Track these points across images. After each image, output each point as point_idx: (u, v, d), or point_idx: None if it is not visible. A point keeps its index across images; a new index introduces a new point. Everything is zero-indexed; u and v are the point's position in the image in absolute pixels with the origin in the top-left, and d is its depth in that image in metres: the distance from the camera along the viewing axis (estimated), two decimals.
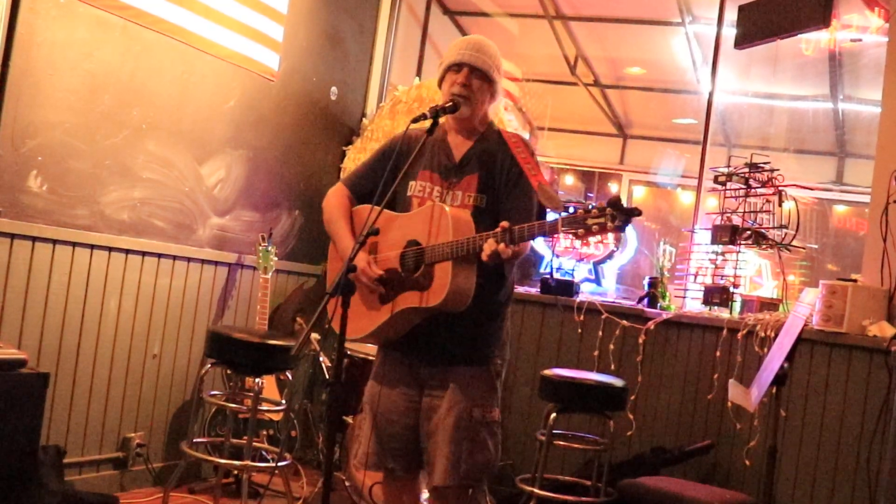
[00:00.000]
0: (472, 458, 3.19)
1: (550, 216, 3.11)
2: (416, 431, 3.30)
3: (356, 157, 6.18)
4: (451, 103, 3.23)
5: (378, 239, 3.27)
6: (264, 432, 5.07)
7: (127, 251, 4.66)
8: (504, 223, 2.91)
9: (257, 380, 4.41)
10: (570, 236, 2.81)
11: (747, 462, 4.61)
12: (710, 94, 5.93)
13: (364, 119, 6.46)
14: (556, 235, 5.47)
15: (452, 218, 3.07)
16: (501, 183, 3.26)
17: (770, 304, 5.07)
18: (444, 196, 3.27)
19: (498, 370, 3.34)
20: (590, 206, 2.72)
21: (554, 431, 4.39)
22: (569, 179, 11.01)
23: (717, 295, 5.07)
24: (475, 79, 3.27)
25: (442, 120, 3.38)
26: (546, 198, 2.93)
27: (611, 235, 5.89)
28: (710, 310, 5.12)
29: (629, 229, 6.08)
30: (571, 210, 2.78)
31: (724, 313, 5.02)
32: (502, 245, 2.88)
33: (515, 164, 3.23)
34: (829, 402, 4.41)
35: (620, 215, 2.66)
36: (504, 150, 3.28)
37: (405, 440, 3.31)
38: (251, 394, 4.44)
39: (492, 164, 3.28)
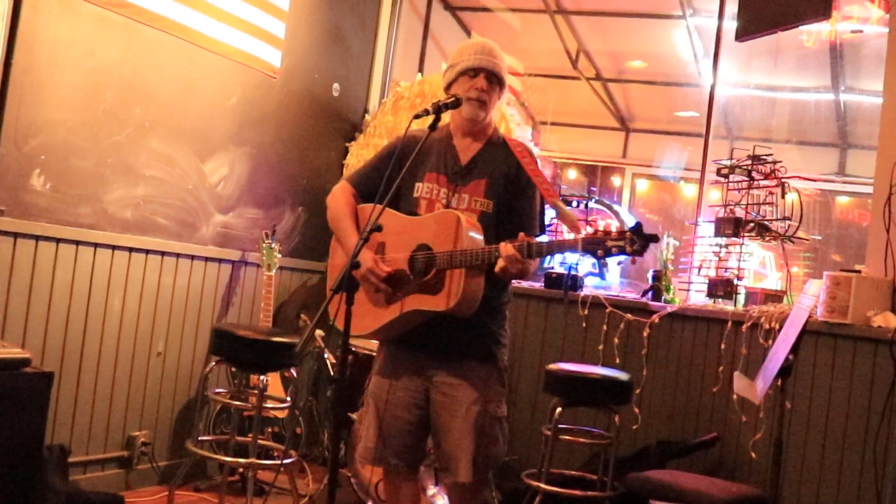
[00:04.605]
0: (487, 452, 3.25)
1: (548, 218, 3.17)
2: (419, 427, 3.32)
3: (359, 153, 6.18)
4: (453, 99, 3.25)
5: (385, 239, 3.28)
6: (269, 430, 5.07)
7: (130, 249, 4.66)
8: (522, 235, 2.98)
9: (262, 377, 4.41)
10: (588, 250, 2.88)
11: (753, 454, 4.61)
12: (712, 87, 5.92)
13: (366, 115, 6.45)
14: (559, 231, 5.48)
15: (466, 226, 3.12)
16: (508, 190, 3.31)
17: (774, 296, 5.06)
18: (450, 199, 3.29)
19: (505, 366, 3.38)
20: (610, 229, 2.85)
21: (559, 426, 4.39)
22: (572, 174, 11.00)
23: (721, 287, 5.06)
24: (491, 84, 3.32)
25: (446, 121, 3.42)
26: (565, 217, 3.11)
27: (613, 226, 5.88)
28: (714, 302, 5.11)
29: (632, 222, 6.09)
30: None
31: (728, 306, 5.01)
32: (517, 257, 2.96)
33: (522, 172, 3.29)
34: (834, 393, 4.40)
35: (640, 240, 2.79)
36: (510, 157, 3.33)
37: (409, 436, 3.32)
38: (256, 391, 4.44)
39: (499, 170, 3.32)
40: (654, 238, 2.80)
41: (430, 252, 3.15)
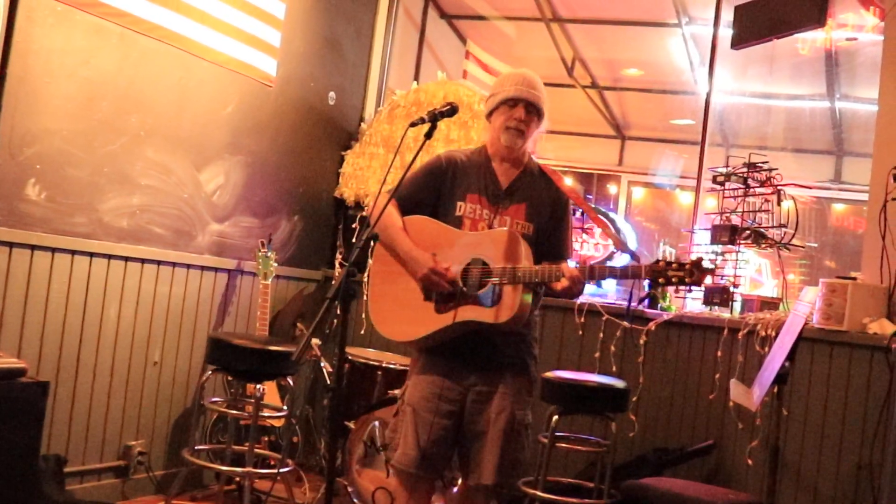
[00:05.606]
0: (513, 457, 3.36)
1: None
2: (453, 435, 3.39)
3: (355, 161, 6.18)
4: (448, 107, 3.30)
5: (437, 251, 3.35)
6: (266, 438, 5.06)
7: (126, 258, 4.65)
8: (584, 259, 3.11)
9: (258, 386, 4.40)
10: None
11: (750, 461, 4.61)
12: (708, 95, 5.93)
13: (362, 124, 6.46)
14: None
15: (523, 246, 3.27)
16: (549, 214, 3.47)
17: (770, 304, 5.06)
18: (492, 220, 3.41)
19: (535, 376, 3.52)
20: (669, 260, 3.07)
21: (556, 434, 4.38)
22: (568, 182, 11.01)
23: (718, 295, 5.06)
24: (530, 115, 3.43)
25: (482, 142, 3.59)
26: (616, 241, 3.53)
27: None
28: (710, 310, 5.12)
29: (628, 230, 6.11)
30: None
31: (724, 313, 5.01)
32: (581, 279, 3.17)
33: (562, 196, 3.51)
34: (830, 400, 4.40)
35: (698, 272, 3.01)
36: (550, 184, 3.52)
37: (444, 444, 3.38)
38: (252, 400, 4.43)
39: (539, 196, 3.48)
40: (712, 271, 3.04)
41: (487, 267, 3.25)
